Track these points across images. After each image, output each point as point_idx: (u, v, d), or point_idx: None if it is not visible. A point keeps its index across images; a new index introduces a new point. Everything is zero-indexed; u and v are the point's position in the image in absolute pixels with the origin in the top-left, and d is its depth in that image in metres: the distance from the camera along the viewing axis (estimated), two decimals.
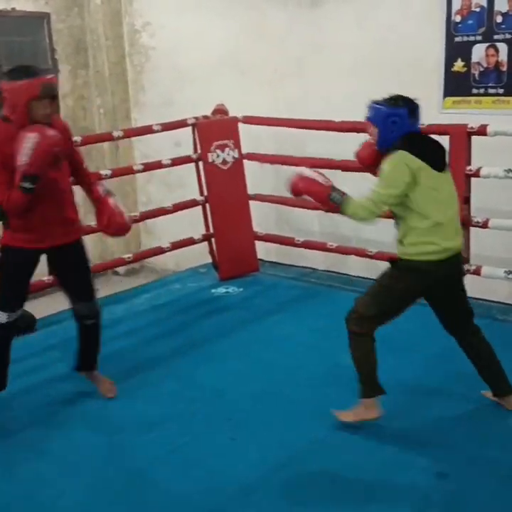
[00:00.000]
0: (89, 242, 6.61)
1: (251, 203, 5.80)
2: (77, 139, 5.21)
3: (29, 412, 3.70)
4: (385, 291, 3.32)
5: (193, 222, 5.90)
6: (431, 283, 3.30)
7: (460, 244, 3.37)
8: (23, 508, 2.96)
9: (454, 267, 3.35)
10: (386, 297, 3.32)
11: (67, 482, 3.11)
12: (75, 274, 3.63)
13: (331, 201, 3.24)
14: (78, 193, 7.21)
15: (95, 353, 3.82)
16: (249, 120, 5.71)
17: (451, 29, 5.00)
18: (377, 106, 3.28)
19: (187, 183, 6.05)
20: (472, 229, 4.74)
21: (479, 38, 4.90)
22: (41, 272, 5.07)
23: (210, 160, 5.59)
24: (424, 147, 3.23)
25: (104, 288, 6.68)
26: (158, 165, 5.70)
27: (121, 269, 7.13)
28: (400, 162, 3.13)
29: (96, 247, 7.13)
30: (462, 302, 3.48)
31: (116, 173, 5.72)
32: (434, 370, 3.98)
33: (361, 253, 5.27)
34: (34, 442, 3.42)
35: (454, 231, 3.32)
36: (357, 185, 5.44)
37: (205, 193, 5.73)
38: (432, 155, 3.23)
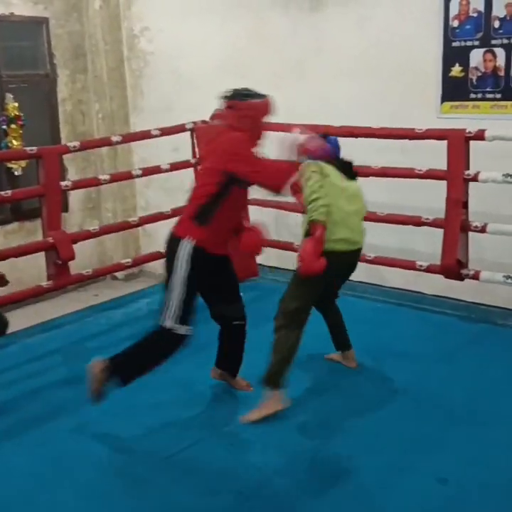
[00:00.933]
0: (88, 247, 6.66)
1: (249, 208, 5.79)
2: (75, 143, 5.24)
3: (29, 416, 3.70)
4: (301, 284, 3.62)
5: None
6: (337, 271, 3.71)
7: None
8: None
9: (356, 257, 3.84)
10: (304, 289, 3.64)
11: (66, 487, 3.10)
12: (232, 278, 3.76)
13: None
14: (77, 198, 7.21)
15: (241, 357, 3.90)
16: None
17: (449, 34, 5.01)
18: None
19: (186, 188, 6.03)
20: (470, 234, 4.75)
21: (477, 43, 4.91)
22: (40, 277, 5.10)
23: None
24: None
25: (103, 293, 6.70)
26: (156, 170, 5.71)
27: (120, 274, 7.14)
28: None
29: (95, 251, 7.14)
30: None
31: (115, 178, 5.73)
32: (431, 374, 3.99)
33: (360, 258, 5.26)
34: (33, 447, 3.42)
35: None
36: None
37: None
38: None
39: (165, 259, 3.51)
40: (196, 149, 5.66)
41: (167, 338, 3.48)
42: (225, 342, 3.88)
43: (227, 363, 3.91)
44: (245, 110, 3.51)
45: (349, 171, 3.81)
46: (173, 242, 3.45)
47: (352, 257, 3.79)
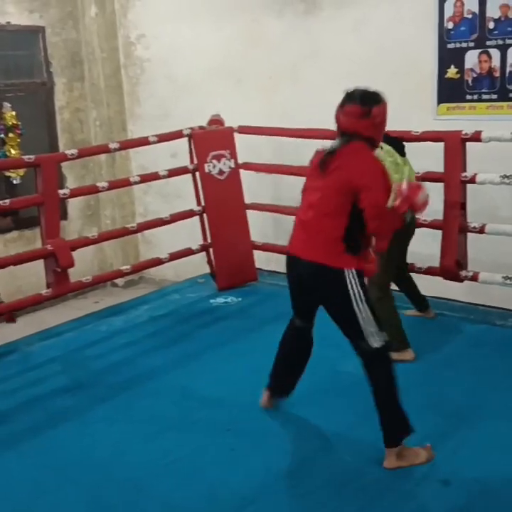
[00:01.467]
0: (88, 253, 6.66)
1: (248, 212, 5.80)
2: (73, 151, 5.25)
3: (29, 425, 3.69)
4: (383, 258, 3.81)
5: (190, 233, 5.91)
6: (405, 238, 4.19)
7: None
8: None
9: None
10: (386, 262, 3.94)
11: (65, 494, 3.10)
12: None
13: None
14: (76, 205, 7.21)
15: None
16: (244, 130, 5.73)
17: (444, 36, 5.02)
18: None
19: (184, 193, 6.06)
20: (469, 235, 4.75)
21: (472, 44, 4.93)
22: (40, 285, 5.11)
23: (206, 170, 5.60)
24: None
25: (103, 300, 6.71)
26: (155, 176, 5.71)
27: (120, 281, 7.14)
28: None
29: (95, 258, 7.15)
30: None
31: (113, 185, 5.73)
32: (430, 376, 3.99)
33: None
34: (34, 456, 3.41)
35: None
36: None
37: (203, 203, 5.73)
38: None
39: (319, 291, 3.30)
40: (194, 155, 5.66)
41: (384, 354, 3.23)
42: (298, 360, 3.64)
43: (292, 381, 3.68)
44: (382, 116, 3.24)
45: (402, 148, 4.09)
46: (335, 274, 3.17)
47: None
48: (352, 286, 3.16)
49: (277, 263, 6.07)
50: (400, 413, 3.17)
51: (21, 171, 6.35)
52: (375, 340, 3.17)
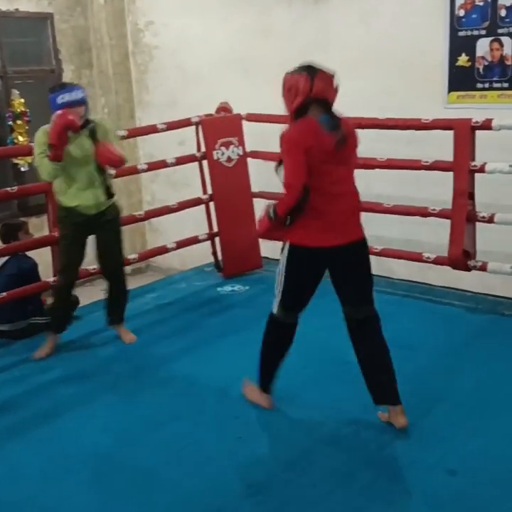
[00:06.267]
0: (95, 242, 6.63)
1: (255, 200, 5.78)
2: None
3: (34, 413, 3.69)
4: None
5: (198, 221, 5.89)
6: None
7: None
8: (29, 510, 2.95)
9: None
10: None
11: (73, 483, 3.10)
12: None
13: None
14: None
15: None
16: (252, 117, 5.70)
17: (455, 24, 4.97)
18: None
19: (192, 182, 6.04)
20: (478, 224, 4.71)
21: (483, 32, 4.88)
22: (46, 273, 5.10)
23: (214, 157, 5.57)
24: None
25: None
26: (162, 164, 5.69)
27: (126, 269, 7.12)
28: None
29: None
30: None
31: (121, 172, 5.70)
32: (439, 366, 3.97)
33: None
34: (40, 444, 3.42)
35: None
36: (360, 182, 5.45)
37: (210, 191, 5.71)
38: None
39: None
40: (202, 143, 5.64)
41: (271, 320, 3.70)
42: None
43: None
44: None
45: None
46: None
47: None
48: None
49: None
50: (267, 369, 3.53)
51: (29, 158, 6.33)
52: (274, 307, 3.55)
